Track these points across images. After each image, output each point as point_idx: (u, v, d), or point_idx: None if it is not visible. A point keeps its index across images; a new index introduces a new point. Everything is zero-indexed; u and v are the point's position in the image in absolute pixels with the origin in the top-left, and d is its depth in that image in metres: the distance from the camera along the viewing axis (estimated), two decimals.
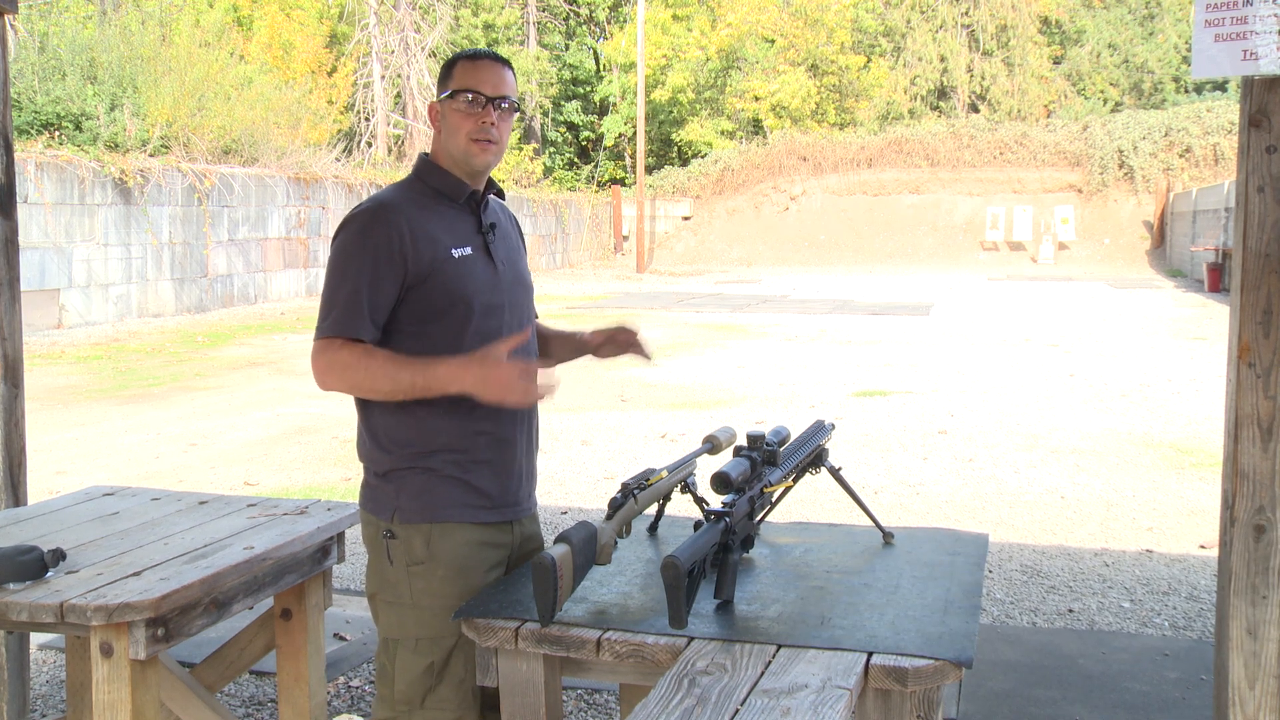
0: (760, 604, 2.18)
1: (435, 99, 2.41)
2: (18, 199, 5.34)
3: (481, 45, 35.54)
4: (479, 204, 2.41)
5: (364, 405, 2.36)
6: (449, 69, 2.39)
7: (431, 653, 2.28)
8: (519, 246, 2.57)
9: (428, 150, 2.45)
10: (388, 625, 2.33)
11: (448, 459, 2.30)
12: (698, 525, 2.23)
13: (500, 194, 2.51)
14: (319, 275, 19.90)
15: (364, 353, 2.23)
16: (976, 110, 36.86)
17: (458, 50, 31.70)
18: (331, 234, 2.49)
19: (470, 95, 2.32)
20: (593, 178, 39.81)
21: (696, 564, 2.05)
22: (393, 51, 30.62)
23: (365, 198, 2.42)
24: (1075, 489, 6.59)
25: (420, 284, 2.27)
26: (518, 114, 2.45)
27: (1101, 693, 3.76)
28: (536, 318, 2.66)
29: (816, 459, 2.60)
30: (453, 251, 2.31)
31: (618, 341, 2.63)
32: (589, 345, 2.66)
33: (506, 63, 2.39)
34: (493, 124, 2.33)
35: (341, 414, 8.55)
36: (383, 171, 23.93)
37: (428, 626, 2.28)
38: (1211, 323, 15.75)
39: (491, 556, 2.35)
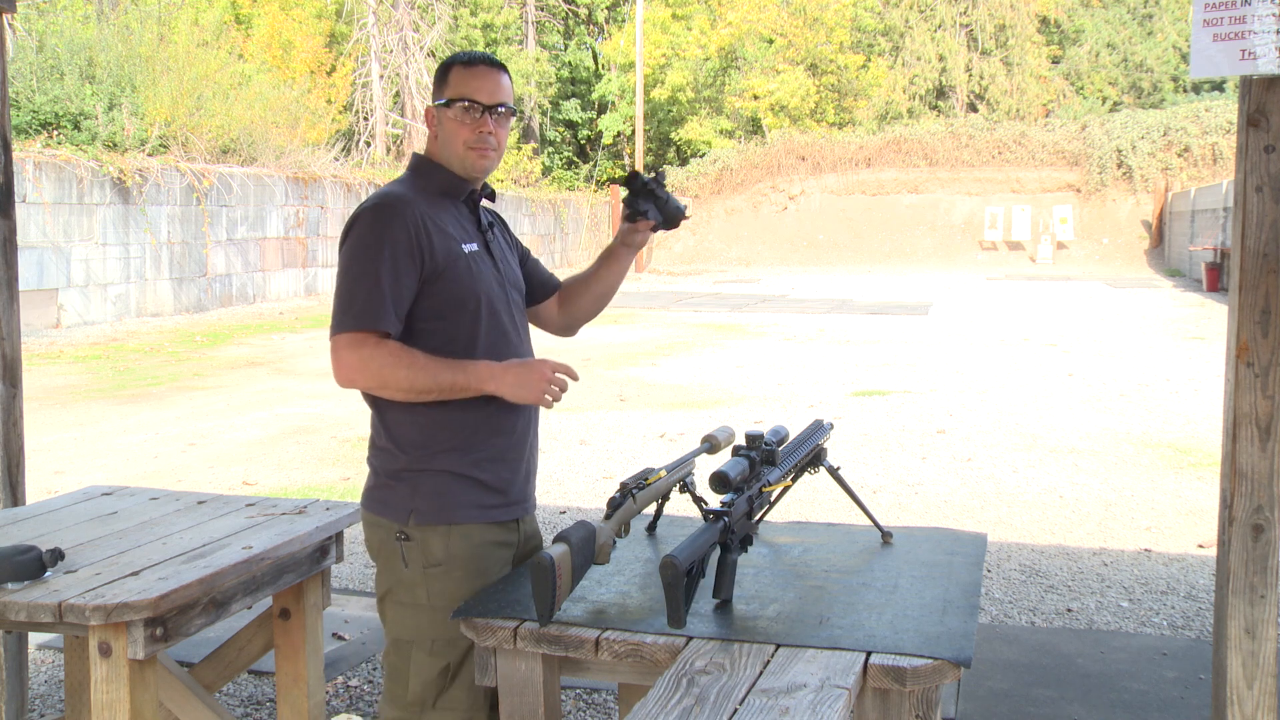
0: (759, 603, 2.18)
1: (431, 102, 2.39)
2: (16, 198, 5.33)
3: (480, 46, 35.47)
4: (477, 203, 2.42)
5: (378, 405, 2.33)
6: (444, 73, 2.36)
7: (448, 654, 2.27)
8: (510, 246, 2.57)
9: (420, 151, 2.43)
10: (402, 627, 2.31)
11: (461, 458, 2.29)
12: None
13: (491, 195, 2.49)
14: (318, 275, 19.92)
15: (402, 350, 2.21)
16: (975, 110, 36.86)
17: (456, 50, 31.49)
18: (330, 233, 2.48)
19: (467, 104, 2.30)
20: (591, 177, 39.76)
21: (695, 563, 2.05)
22: (391, 51, 30.59)
23: (364, 197, 2.38)
24: (1074, 489, 6.59)
25: (437, 278, 2.25)
26: (516, 115, 2.42)
27: (1100, 692, 3.76)
28: (560, 286, 2.66)
29: (815, 458, 2.60)
30: (463, 247, 2.31)
31: (634, 232, 2.55)
32: (620, 245, 2.58)
33: (502, 67, 2.37)
34: (490, 132, 2.32)
35: (340, 414, 8.57)
36: (381, 171, 23.92)
37: (445, 628, 2.26)
38: (1210, 322, 15.75)
39: (504, 555, 2.36)
